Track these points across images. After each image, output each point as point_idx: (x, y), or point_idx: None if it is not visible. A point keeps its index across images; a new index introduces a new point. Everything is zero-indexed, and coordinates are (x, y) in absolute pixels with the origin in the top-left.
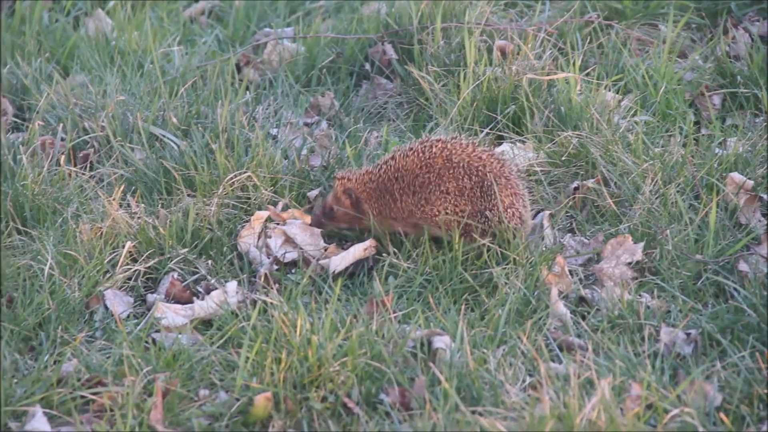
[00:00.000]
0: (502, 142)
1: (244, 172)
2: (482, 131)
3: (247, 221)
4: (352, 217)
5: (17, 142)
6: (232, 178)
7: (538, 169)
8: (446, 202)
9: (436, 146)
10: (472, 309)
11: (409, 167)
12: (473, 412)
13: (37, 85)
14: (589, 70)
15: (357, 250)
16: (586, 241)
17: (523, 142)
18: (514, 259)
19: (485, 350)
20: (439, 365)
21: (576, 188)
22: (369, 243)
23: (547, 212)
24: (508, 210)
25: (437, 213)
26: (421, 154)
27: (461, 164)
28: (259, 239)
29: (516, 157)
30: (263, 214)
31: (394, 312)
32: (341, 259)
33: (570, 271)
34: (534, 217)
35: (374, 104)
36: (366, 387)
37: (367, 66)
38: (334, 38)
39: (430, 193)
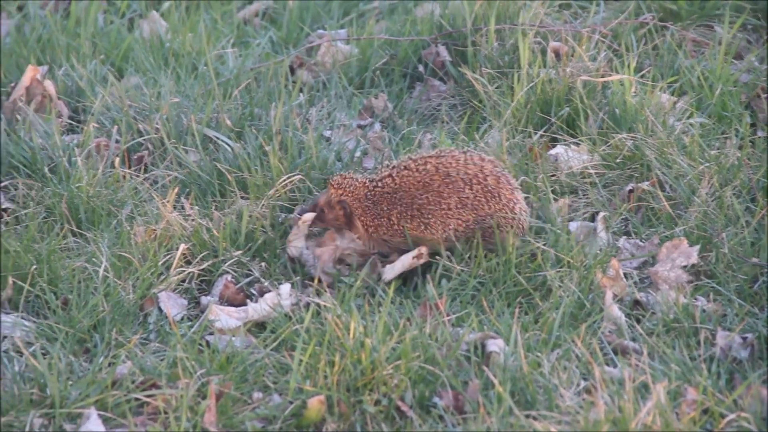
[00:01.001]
0: (555, 144)
1: (296, 175)
2: (536, 133)
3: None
4: (342, 224)
5: (72, 144)
6: (284, 181)
7: (592, 171)
8: (448, 218)
9: (430, 162)
10: (526, 312)
11: (406, 188)
12: (527, 416)
13: (92, 87)
14: (644, 71)
15: (407, 260)
16: (641, 244)
17: (578, 144)
18: (568, 261)
19: (539, 354)
20: (493, 369)
21: (631, 191)
22: (418, 251)
23: (602, 214)
24: (516, 206)
25: (437, 231)
26: (416, 173)
27: (459, 176)
28: (307, 241)
29: (570, 159)
30: (309, 216)
31: (448, 315)
32: (391, 269)
33: (625, 274)
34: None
35: (428, 106)
36: (419, 390)
37: (421, 68)
38: (387, 40)
39: (429, 213)
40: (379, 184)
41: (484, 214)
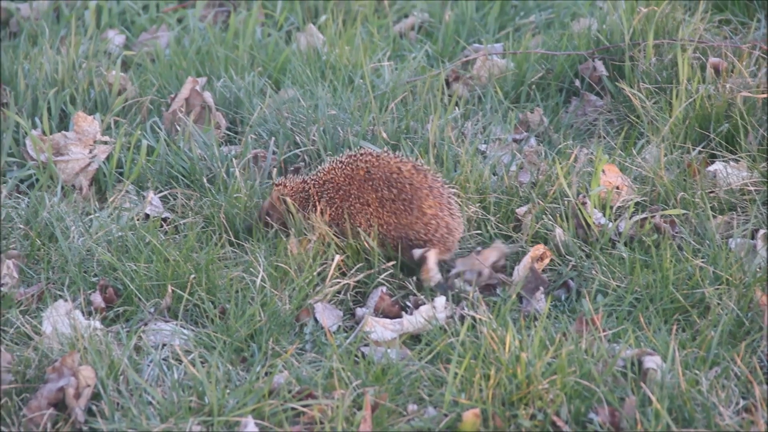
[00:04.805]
0: (714, 161)
1: (452, 188)
2: (694, 149)
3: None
4: (284, 219)
5: (230, 155)
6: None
7: (752, 188)
8: (368, 214)
9: (361, 159)
10: (684, 329)
11: (334, 180)
12: None
13: (249, 98)
14: None
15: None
16: None
17: (737, 161)
18: (727, 279)
19: (697, 371)
20: (650, 385)
21: None
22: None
23: (762, 232)
24: (432, 221)
25: (360, 225)
26: (346, 167)
27: (380, 176)
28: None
29: (729, 176)
30: (434, 253)
31: (604, 330)
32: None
33: None
34: (751, 237)
35: (584, 121)
36: (575, 406)
37: (577, 82)
38: (543, 54)
39: (350, 206)
40: (314, 176)
41: (404, 224)
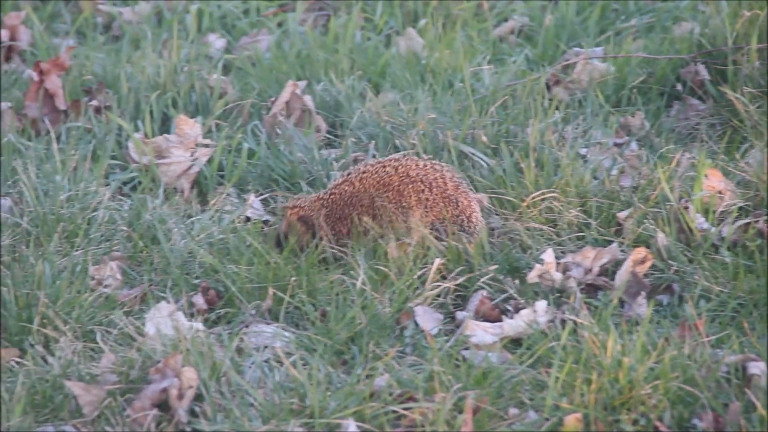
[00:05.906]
0: None
1: (551, 192)
2: None
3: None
4: (308, 240)
5: (330, 158)
6: (534, 197)
7: None
8: (405, 216)
9: (389, 165)
10: None
11: (366, 189)
12: None
13: (349, 102)
14: None
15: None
16: None
17: None
18: None
19: None
20: (755, 391)
21: None
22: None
23: None
24: (473, 215)
25: (401, 228)
26: (375, 175)
27: (419, 177)
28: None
29: None
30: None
31: (707, 336)
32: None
33: None
34: None
35: (686, 125)
36: (678, 411)
37: (679, 86)
38: (644, 58)
39: (390, 212)
40: (336, 191)
41: (441, 218)
